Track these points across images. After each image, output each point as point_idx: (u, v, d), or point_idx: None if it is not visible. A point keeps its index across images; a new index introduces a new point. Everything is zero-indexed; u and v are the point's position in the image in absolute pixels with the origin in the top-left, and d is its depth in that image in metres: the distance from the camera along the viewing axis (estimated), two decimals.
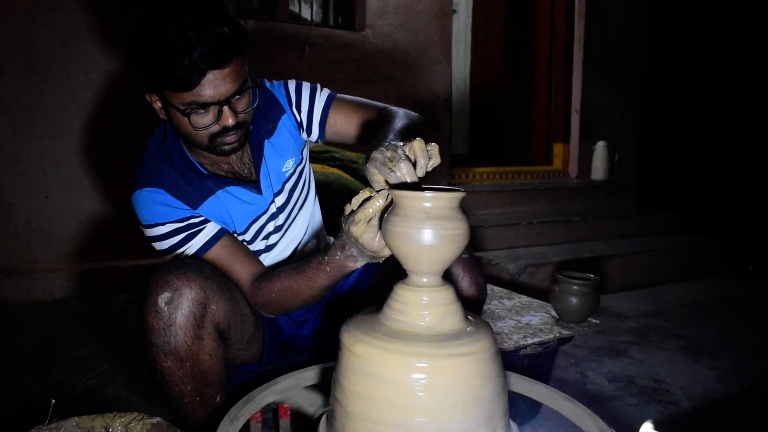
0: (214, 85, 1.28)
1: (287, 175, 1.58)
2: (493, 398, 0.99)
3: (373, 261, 1.21)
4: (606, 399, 2.16)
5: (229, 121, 1.34)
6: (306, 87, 1.59)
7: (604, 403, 2.11)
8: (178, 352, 1.26)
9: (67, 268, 3.13)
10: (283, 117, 1.58)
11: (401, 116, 1.42)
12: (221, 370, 1.34)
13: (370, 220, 1.12)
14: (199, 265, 1.31)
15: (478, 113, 5.80)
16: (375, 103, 1.58)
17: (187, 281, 1.26)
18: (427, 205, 0.97)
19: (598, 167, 4.75)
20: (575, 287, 1.96)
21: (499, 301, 2.25)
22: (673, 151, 5.61)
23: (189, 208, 1.44)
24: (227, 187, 1.49)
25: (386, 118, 1.42)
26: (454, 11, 4.53)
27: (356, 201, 1.15)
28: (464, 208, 1.04)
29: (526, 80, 5.16)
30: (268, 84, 1.59)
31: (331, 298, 1.65)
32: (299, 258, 1.59)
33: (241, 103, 1.36)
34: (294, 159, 1.60)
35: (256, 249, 1.57)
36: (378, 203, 1.10)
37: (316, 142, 1.64)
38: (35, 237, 3.06)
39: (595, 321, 2.03)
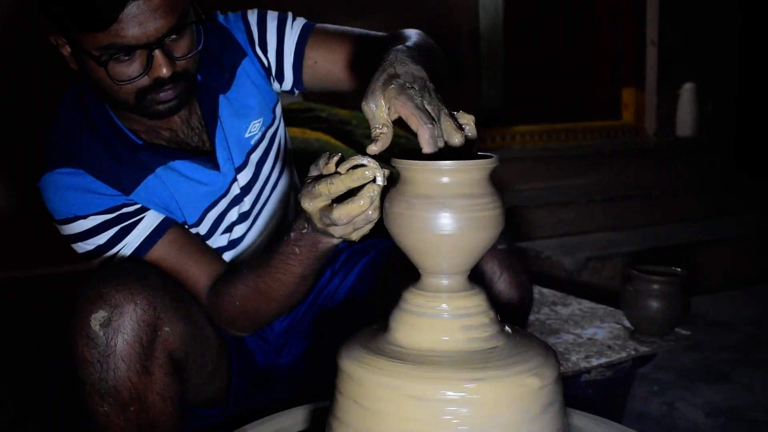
0: (139, 20, 1.25)
1: (252, 142, 1.57)
2: None
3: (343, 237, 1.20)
4: None
5: (163, 71, 1.31)
6: (272, 17, 1.57)
7: None
8: (120, 393, 1.26)
9: None
10: (244, 62, 1.56)
11: (417, 41, 1.38)
12: (176, 416, 1.34)
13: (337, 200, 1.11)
14: (145, 272, 1.31)
15: (516, 52, 5.76)
16: (372, 32, 1.57)
17: (129, 294, 1.25)
18: (446, 179, 0.97)
19: (685, 120, 4.72)
20: (656, 286, 1.96)
21: (552, 308, 2.25)
22: None
23: (119, 193, 1.43)
24: (170, 162, 1.47)
25: (393, 42, 1.35)
26: None
27: (331, 163, 1.13)
28: (497, 180, 1.04)
29: (584, 3, 5.12)
30: (221, 18, 1.58)
31: (319, 311, 1.65)
32: None
33: (180, 46, 1.34)
34: (261, 120, 1.59)
35: (216, 246, 1.58)
36: (367, 173, 1.08)
37: (292, 92, 1.63)
38: None
39: (684, 332, 2.03)
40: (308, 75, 1.58)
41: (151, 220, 1.45)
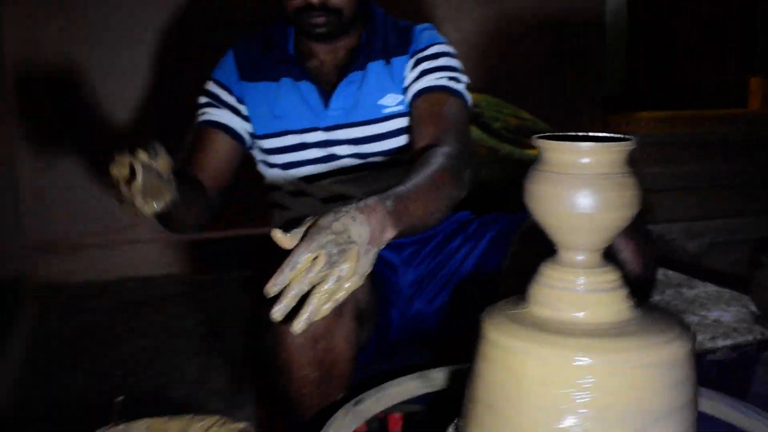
0: None
1: (385, 112, 1.66)
2: (676, 415, 0.97)
3: None
4: None
5: None
6: (444, 60, 1.66)
7: None
8: (315, 328, 1.30)
9: (120, 244, 3.33)
10: (401, 57, 1.67)
11: (421, 181, 1.34)
12: (350, 361, 1.37)
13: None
14: None
15: (641, 38, 5.59)
16: (457, 139, 1.54)
17: None
18: (585, 159, 0.96)
19: None
20: None
21: (677, 290, 2.19)
22: None
23: (236, 81, 1.68)
24: (300, 82, 1.65)
25: (416, 166, 1.39)
26: None
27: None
28: (634, 163, 1.02)
29: None
30: (419, 30, 1.71)
31: (449, 275, 1.65)
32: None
33: None
34: (401, 99, 1.66)
35: (276, 162, 1.69)
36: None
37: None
38: (81, 207, 3.28)
39: None
40: (410, 116, 1.65)
41: (219, 113, 1.66)
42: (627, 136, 0.98)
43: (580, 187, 0.94)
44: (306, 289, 1.03)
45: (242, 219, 3.20)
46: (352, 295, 1.31)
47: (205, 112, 1.66)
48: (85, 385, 2.29)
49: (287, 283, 1.02)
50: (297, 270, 1.02)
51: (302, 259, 1.02)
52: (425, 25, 1.73)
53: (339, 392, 1.39)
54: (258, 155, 1.75)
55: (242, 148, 1.69)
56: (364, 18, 1.68)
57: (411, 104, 1.64)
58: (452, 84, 1.63)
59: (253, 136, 1.68)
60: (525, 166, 2.47)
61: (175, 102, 3.27)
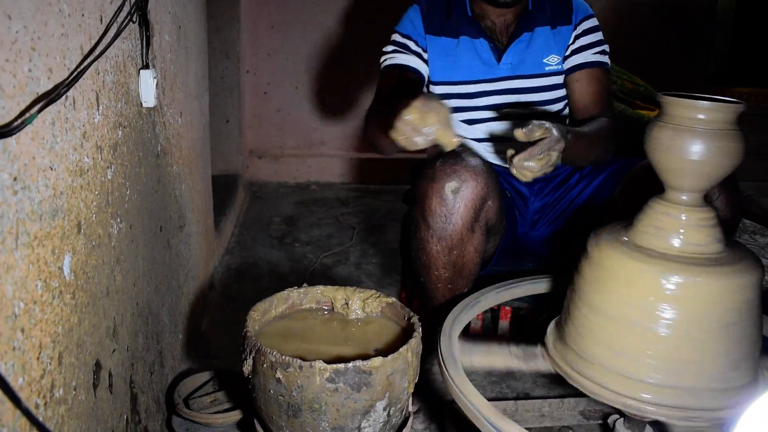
0: None
1: (547, 69, 1.59)
2: (748, 337, 0.90)
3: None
4: None
5: None
6: (596, 35, 1.60)
7: None
8: (452, 239, 1.31)
9: (309, 155, 3.41)
10: (566, 27, 1.60)
11: (596, 130, 1.45)
12: (477, 265, 1.38)
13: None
14: (482, 162, 1.34)
15: (746, 19, 5.04)
16: (610, 107, 1.60)
17: (474, 174, 1.28)
18: (701, 116, 0.88)
19: None
20: None
21: (751, 236, 2.02)
22: None
23: (422, 34, 1.59)
24: (476, 39, 1.57)
25: (591, 122, 1.48)
26: None
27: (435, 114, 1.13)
28: (740, 124, 0.92)
29: None
30: None
31: (568, 203, 1.60)
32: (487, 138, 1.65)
33: None
34: (559, 59, 1.60)
35: (455, 105, 1.62)
36: (435, 129, 1.13)
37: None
38: (285, 124, 3.36)
39: None
40: (566, 81, 1.61)
41: (408, 58, 1.58)
42: (738, 101, 0.90)
43: (694, 138, 0.89)
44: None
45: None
46: (485, 214, 1.30)
47: (395, 57, 1.59)
48: (278, 258, 2.39)
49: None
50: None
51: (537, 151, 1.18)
52: (586, 5, 1.63)
53: (465, 287, 1.39)
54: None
55: (422, 87, 1.62)
56: None
57: (571, 72, 1.59)
58: (604, 58, 1.60)
59: (429, 81, 1.62)
60: (633, 124, 2.33)
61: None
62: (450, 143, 1.14)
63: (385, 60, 1.61)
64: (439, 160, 1.30)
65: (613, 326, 0.92)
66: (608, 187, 1.52)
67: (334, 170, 3.43)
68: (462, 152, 1.31)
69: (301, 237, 2.61)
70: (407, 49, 1.59)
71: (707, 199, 1.29)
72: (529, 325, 1.62)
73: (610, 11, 3.42)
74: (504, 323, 1.62)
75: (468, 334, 1.58)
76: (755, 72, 4.71)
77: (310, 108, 3.36)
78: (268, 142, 3.38)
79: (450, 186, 1.27)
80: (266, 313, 1.14)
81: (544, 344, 1.11)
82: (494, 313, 1.68)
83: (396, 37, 1.62)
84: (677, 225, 0.91)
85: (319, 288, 1.22)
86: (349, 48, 3.30)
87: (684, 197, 0.93)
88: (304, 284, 1.25)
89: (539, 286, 1.30)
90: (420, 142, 1.13)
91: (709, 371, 0.89)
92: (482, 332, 1.67)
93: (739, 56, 5.01)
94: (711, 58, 3.92)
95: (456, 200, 1.27)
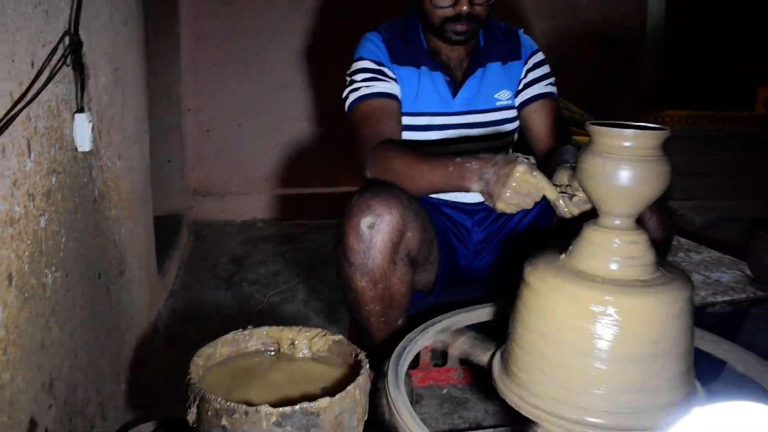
0: None
1: (498, 104, 1.64)
2: (681, 354, 0.93)
3: (486, 202, 1.26)
4: None
5: (464, 8, 1.47)
6: (545, 68, 1.67)
7: None
8: (374, 274, 1.33)
9: (254, 193, 3.38)
10: (517, 62, 1.65)
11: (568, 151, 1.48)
12: (407, 295, 1.39)
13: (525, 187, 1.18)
14: (398, 192, 1.35)
15: (674, 49, 5.29)
16: (569, 133, 1.68)
17: (388, 208, 1.30)
18: (627, 143, 0.92)
19: None
20: None
21: (686, 253, 2.10)
22: None
23: (389, 61, 1.57)
24: (434, 72, 1.58)
25: (561, 151, 1.49)
26: None
27: (542, 173, 1.17)
28: (666, 149, 0.97)
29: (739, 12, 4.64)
30: (520, 31, 1.69)
31: (509, 232, 1.63)
32: None
33: None
34: (510, 94, 1.65)
35: (411, 136, 1.62)
36: (546, 191, 1.17)
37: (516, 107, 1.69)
38: (229, 162, 3.33)
39: None
40: (523, 114, 1.65)
41: (390, 87, 1.55)
42: (663, 127, 0.94)
43: (622, 165, 0.92)
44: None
45: (335, 179, 3.27)
46: (405, 246, 1.32)
47: (372, 85, 1.53)
48: (224, 299, 2.35)
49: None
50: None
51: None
52: (521, 29, 1.70)
53: (399, 318, 1.41)
54: None
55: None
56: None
57: (527, 104, 1.64)
58: (554, 89, 1.66)
59: None
60: None
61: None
62: (556, 196, 1.17)
63: (360, 89, 1.54)
64: (355, 196, 1.33)
65: (553, 350, 0.94)
66: (547, 213, 1.56)
67: (280, 207, 3.41)
68: (379, 186, 1.34)
69: (248, 276, 2.58)
70: (385, 75, 1.55)
71: (640, 222, 1.34)
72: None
73: (543, 39, 3.54)
74: (453, 354, 1.62)
75: (417, 364, 1.58)
76: (685, 94, 4.95)
77: (254, 145, 3.34)
78: (212, 180, 3.34)
79: (365, 222, 1.29)
80: (210, 358, 1.11)
81: (491, 371, 1.12)
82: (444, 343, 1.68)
83: (366, 64, 1.56)
84: (611, 249, 0.94)
85: (265, 329, 1.20)
86: (292, 84, 3.32)
87: (617, 222, 0.96)
88: (249, 326, 1.22)
89: (482, 314, 1.31)
90: (531, 204, 1.20)
91: (647, 390, 0.91)
92: (431, 363, 1.67)
93: (669, 80, 5.25)
94: (642, 82, 4.09)
95: (372, 235, 1.29)
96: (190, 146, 3.22)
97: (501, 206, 1.20)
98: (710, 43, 5.10)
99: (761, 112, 4.41)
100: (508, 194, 1.18)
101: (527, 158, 1.19)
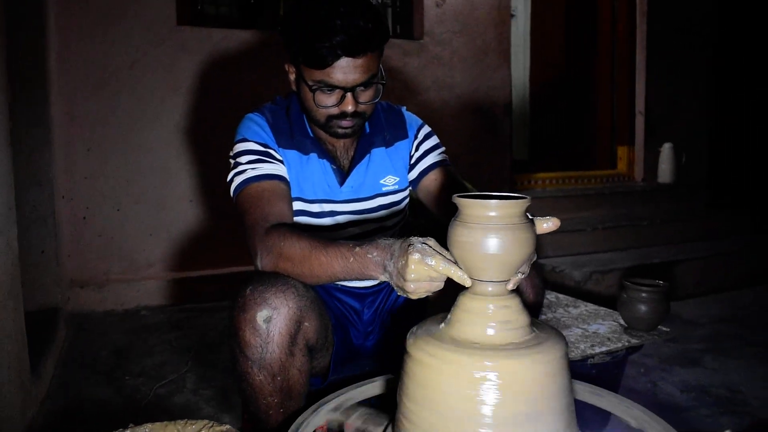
0: (344, 70, 1.38)
1: (384, 189, 1.62)
2: (562, 409, 0.97)
3: (398, 293, 1.19)
4: (679, 410, 2.08)
5: (349, 107, 1.43)
6: (434, 139, 1.69)
7: (677, 414, 2.04)
8: (272, 367, 1.28)
9: (136, 279, 3.24)
10: (404, 141, 1.65)
11: None
12: (305, 384, 1.35)
13: (428, 272, 1.10)
14: (293, 283, 1.30)
15: (539, 117, 5.72)
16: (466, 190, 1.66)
17: (285, 299, 1.26)
18: (492, 213, 0.97)
19: (665, 169, 4.61)
20: (644, 294, 1.91)
21: (565, 309, 2.20)
22: (745, 148, 5.38)
23: (275, 143, 1.51)
24: (321, 160, 1.55)
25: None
26: (512, 16, 4.48)
27: (439, 256, 1.09)
28: (530, 214, 1.03)
29: (588, 82, 5.07)
30: (404, 109, 1.71)
31: (390, 307, 1.65)
32: None
33: (365, 95, 1.44)
34: (399, 180, 1.64)
35: (301, 220, 1.58)
36: (448, 273, 1.07)
37: (406, 186, 1.69)
38: (108, 249, 3.19)
39: (665, 329, 1.97)
40: (421, 185, 1.66)
41: (278, 168, 1.49)
42: (524, 195, 1.00)
43: (488, 233, 0.96)
44: None
45: (222, 260, 3.21)
46: (303, 336, 1.30)
47: (259, 167, 1.46)
48: (107, 395, 2.21)
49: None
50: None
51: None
52: (403, 107, 1.72)
53: (297, 406, 1.37)
54: None
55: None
56: None
57: (424, 174, 1.64)
58: (446, 157, 1.68)
59: None
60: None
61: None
62: (459, 275, 1.06)
63: (245, 171, 1.46)
64: (249, 287, 1.27)
65: (439, 419, 0.95)
66: None
67: (165, 292, 3.27)
68: (274, 275, 1.30)
69: (131, 368, 2.43)
70: (271, 157, 1.49)
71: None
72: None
73: (420, 113, 3.70)
74: (348, 431, 1.60)
75: None
76: (552, 157, 5.30)
77: (135, 230, 3.22)
78: (90, 269, 3.17)
79: (261, 315, 1.25)
80: None
81: None
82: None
83: (250, 145, 1.49)
84: (486, 315, 0.98)
85: (147, 426, 1.14)
86: (173, 166, 3.26)
87: (489, 288, 1.00)
88: (130, 425, 1.16)
89: (372, 389, 1.31)
90: (441, 285, 1.12)
91: None
92: None
93: (537, 146, 5.62)
94: (513, 149, 4.33)
95: (269, 328, 1.25)
96: (66, 234, 3.06)
97: (412, 296, 1.15)
98: (564, 107, 5.53)
99: (623, 170, 4.79)
100: (412, 286, 1.12)
101: (422, 242, 1.12)
